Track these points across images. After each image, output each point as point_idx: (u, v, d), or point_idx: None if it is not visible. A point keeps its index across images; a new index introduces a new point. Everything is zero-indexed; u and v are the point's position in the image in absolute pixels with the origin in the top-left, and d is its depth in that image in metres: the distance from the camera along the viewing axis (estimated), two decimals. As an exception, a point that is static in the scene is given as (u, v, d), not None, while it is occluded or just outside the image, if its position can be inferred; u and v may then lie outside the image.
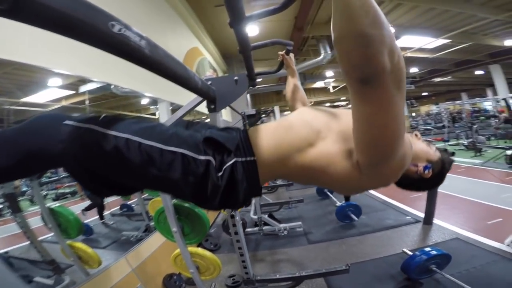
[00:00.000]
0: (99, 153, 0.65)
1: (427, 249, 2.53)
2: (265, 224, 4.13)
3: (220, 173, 0.69)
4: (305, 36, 7.59)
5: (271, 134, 0.77)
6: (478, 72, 16.86)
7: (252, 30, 6.78)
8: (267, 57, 8.77)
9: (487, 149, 8.82)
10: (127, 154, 0.64)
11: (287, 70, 1.57)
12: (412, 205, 4.79)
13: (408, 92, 19.26)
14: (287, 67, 1.55)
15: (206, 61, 6.67)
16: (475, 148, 8.95)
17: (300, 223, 4.03)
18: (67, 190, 3.44)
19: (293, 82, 1.49)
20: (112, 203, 3.75)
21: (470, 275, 2.43)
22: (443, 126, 14.29)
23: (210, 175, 0.68)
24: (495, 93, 15.84)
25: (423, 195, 4.29)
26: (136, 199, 3.46)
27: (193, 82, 1.03)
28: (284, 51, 1.54)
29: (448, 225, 3.67)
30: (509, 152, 6.87)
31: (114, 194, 0.83)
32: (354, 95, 0.58)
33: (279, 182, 6.84)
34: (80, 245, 2.11)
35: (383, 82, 0.52)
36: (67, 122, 0.68)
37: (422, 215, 3.93)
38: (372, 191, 5.93)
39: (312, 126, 0.75)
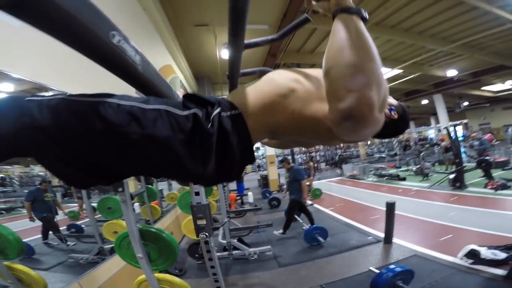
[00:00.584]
0: (76, 121, 0.56)
1: (392, 266, 2.68)
2: (235, 248, 4.03)
3: (210, 123, 0.64)
4: (278, 63, 8.05)
5: (252, 89, 0.75)
6: (424, 102, 19.04)
7: (227, 53, 6.94)
8: (240, 81, 9.06)
9: (433, 174, 9.78)
10: (106, 115, 0.56)
11: None
12: (372, 226, 5.08)
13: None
14: None
15: (178, 80, 6.60)
16: (422, 173, 9.93)
17: (269, 247, 4.01)
18: (2, 206, 3.04)
19: None
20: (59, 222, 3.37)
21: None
22: (395, 154, 15.73)
23: (200, 126, 0.62)
24: (437, 121, 17.96)
25: (381, 217, 4.59)
26: (88, 219, 3.18)
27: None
28: None
29: (406, 243, 3.93)
30: (451, 176, 7.71)
31: (97, 182, 0.68)
32: (335, 126, 0.61)
33: (247, 207, 6.80)
34: (20, 267, 1.85)
35: (368, 118, 0.55)
36: (29, 98, 0.59)
37: (382, 235, 4.17)
38: (334, 214, 6.24)
39: (290, 76, 0.75)
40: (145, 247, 1.61)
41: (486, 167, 7.55)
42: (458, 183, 7.38)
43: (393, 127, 0.83)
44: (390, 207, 4.00)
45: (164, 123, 0.59)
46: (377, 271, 2.79)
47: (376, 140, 31.99)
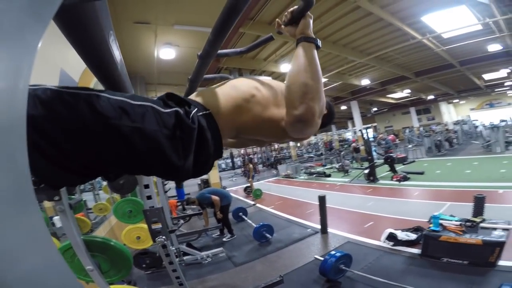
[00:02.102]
0: (69, 113, 0.56)
1: (332, 252, 3.15)
2: (185, 254, 4.00)
3: (190, 120, 0.70)
4: (221, 66, 8.12)
5: (219, 92, 0.84)
6: (343, 107, 21.70)
7: (169, 53, 6.64)
8: (176, 83, 8.76)
9: (352, 170, 11.34)
10: (99, 108, 0.58)
11: None
12: (309, 219, 5.66)
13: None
14: None
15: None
16: (343, 170, 11.37)
17: (221, 248, 4.12)
18: None
19: None
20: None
21: (371, 268, 3.17)
22: (321, 154, 17.60)
23: (183, 122, 0.68)
24: (354, 124, 20.76)
25: (315, 210, 5.18)
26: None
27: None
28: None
29: (339, 232, 4.58)
30: (366, 171, 9.09)
31: (71, 179, 0.67)
32: (289, 125, 0.78)
33: (190, 211, 6.69)
34: None
35: (312, 122, 0.75)
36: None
37: (318, 226, 4.73)
38: (275, 211, 6.73)
39: (251, 84, 0.88)
40: (94, 258, 1.52)
41: (390, 162, 9.10)
42: (371, 177, 8.67)
43: (325, 119, 1.04)
44: (322, 201, 4.57)
45: (151, 118, 0.64)
46: (322, 258, 3.22)
47: (304, 142, 35.08)
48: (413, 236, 3.66)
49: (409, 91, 18.31)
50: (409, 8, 6.62)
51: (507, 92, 21.67)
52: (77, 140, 0.58)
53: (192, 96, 0.87)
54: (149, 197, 2.34)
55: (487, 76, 15.86)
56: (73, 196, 3.86)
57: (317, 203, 4.60)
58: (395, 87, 16.34)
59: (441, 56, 10.48)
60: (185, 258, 3.95)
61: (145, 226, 3.29)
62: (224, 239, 4.95)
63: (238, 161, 21.50)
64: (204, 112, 0.76)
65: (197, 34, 5.97)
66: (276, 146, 22.69)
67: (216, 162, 11.30)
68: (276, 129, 0.83)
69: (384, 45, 9.06)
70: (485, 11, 6.62)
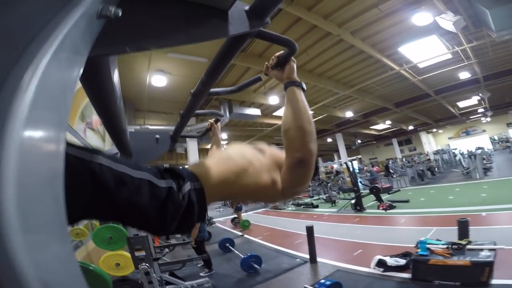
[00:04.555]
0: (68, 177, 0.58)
1: (322, 281, 3.05)
2: (168, 283, 3.75)
3: (181, 196, 0.75)
4: (210, 97, 8.29)
5: (213, 165, 0.88)
6: (329, 140, 22.27)
7: (160, 80, 6.70)
8: (165, 111, 8.83)
9: (338, 200, 11.36)
10: (99, 177, 0.63)
11: (213, 138, 1.70)
12: (298, 249, 5.52)
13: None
14: (214, 134, 1.71)
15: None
16: (331, 200, 11.40)
17: (207, 278, 3.93)
18: None
19: (217, 151, 1.57)
20: None
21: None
22: (308, 185, 17.58)
23: (173, 197, 0.73)
24: (339, 156, 21.14)
25: (303, 240, 5.08)
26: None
27: (125, 135, 1.11)
28: (214, 119, 1.74)
29: (328, 260, 4.47)
30: (353, 201, 9.16)
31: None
32: (290, 167, 0.83)
33: (174, 241, 6.38)
34: None
35: (312, 162, 0.81)
36: None
37: (307, 256, 4.62)
38: (264, 242, 6.53)
39: (245, 155, 0.92)
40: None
41: (376, 192, 9.26)
42: (358, 206, 8.76)
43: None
44: (310, 231, 4.57)
45: (145, 191, 0.69)
46: (311, 287, 3.11)
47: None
48: (402, 262, 3.64)
49: (390, 122, 19.12)
50: (387, 40, 7.18)
51: (481, 119, 23.03)
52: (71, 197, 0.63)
53: (190, 167, 0.92)
54: (133, 225, 2.31)
55: (461, 104, 16.89)
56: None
57: (305, 233, 4.54)
58: (377, 118, 17.04)
59: (417, 86, 11.19)
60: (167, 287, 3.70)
61: (126, 253, 3.14)
62: (202, 274, 4.64)
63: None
64: (195, 186, 0.81)
65: (190, 63, 6.17)
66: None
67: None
68: (269, 192, 0.88)
69: (365, 77, 9.61)
70: (453, 40, 7.20)
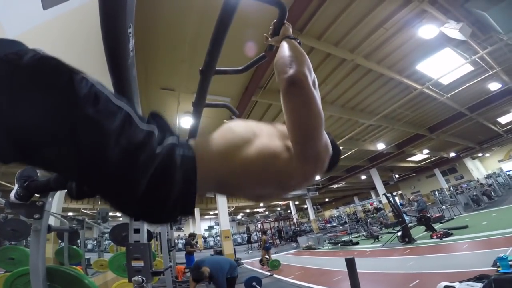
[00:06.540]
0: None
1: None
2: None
3: (160, 148, 0.61)
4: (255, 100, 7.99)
5: (212, 138, 0.78)
6: (363, 177, 20.64)
7: (188, 122, 6.67)
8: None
9: (382, 235, 10.04)
10: (77, 86, 0.53)
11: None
12: (337, 286, 4.66)
13: (314, 199, 21.74)
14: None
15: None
16: (372, 236, 10.26)
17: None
18: None
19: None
20: None
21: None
22: (345, 222, 16.25)
23: (149, 145, 0.59)
24: (377, 194, 19.44)
25: (343, 277, 4.22)
26: None
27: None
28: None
29: (377, 293, 3.57)
30: (399, 233, 7.98)
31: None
32: (284, 94, 0.72)
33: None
34: None
35: (305, 83, 0.70)
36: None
37: (349, 291, 3.75)
38: (295, 281, 5.62)
39: (248, 127, 0.81)
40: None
41: (426, 221, 8.13)
42: (406, 238, 7.68)
43: (332, 158, 0.90)
44: (351, 262, 3.72)
45: (117, 120, 0.56)
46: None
47: (326, 215, 32.83)
48: (478, 286, 2.78)
49: (427, 150, 17.52)
50: (402, 60, 6.85)
51: (530, 134, 20.26)
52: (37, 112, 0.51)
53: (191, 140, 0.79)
54: (136, 231, 2.11)
55: (502, 120, 14.77)
56: (76, 247, 3.73)
57: (345, 269, 3.74)
58: (412, 148, 15.65)
59: (448, 106, 10.23)
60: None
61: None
62: None
63: (255, 235, 20.25)
64: (186, 154, 0.66)
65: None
66: (295, 220, 21.26)
67: (230, 234, 10.47)
68: (278, 163, 0.73)
69: (390, 102, 9.03)
70: (468, 50, 6.73)
